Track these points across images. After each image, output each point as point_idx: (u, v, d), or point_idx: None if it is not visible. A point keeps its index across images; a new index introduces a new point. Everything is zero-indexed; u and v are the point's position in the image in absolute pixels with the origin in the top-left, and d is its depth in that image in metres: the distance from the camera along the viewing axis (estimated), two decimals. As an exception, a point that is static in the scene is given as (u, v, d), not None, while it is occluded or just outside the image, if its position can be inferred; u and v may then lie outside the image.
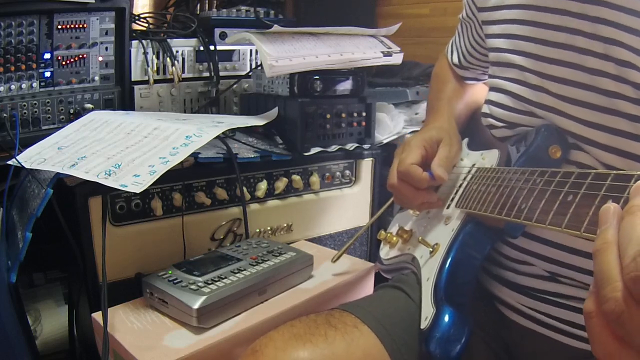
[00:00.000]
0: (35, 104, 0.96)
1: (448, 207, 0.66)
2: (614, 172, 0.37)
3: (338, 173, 1.04)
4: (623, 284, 0.29)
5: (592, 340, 0.32)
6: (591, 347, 0.32)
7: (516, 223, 0.47)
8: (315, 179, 1.00)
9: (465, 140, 0.76)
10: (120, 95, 1.05)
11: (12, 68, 0.93)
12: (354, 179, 1.07)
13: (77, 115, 0.98)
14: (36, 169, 0.78)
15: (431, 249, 0.62)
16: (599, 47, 0.52)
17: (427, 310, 0.55)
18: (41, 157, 0.80)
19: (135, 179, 0.70)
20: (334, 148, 1.00)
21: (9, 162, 0.81)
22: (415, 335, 0.59)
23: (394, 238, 0.74)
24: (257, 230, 0.95)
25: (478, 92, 0.86)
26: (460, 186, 0.66)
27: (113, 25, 1.02)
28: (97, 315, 0.67)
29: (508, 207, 0.49)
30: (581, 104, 0.54)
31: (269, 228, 0.96)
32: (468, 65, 0.82)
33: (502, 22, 0.65)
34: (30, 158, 0.81)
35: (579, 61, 0.54)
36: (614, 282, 0.29)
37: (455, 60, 0.84)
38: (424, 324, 0.54)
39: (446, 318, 0.53)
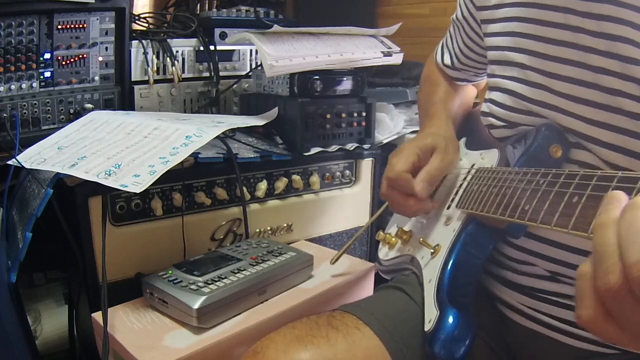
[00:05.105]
0: (35, 104, 0.96)
1: (448, 208, 0.66)
2: (620, 173, 0.36)
3: (338, 173, 1.04)
4: (624, 276, 0.30)
5: (578, 303, 0.33)
6: (576, 310, 0.33)
7: (520, 224, 0.47)
8: (315, 179, 1.00)
9: (463, 139, 0.75)
10: (120, 95, 1.05)
11: (12, 68, 0.93)
12: (354, 179, 1.07)
13: (77, 115, 0.98)
14: (36, 169, 0.78)
15: (432, 250, 0.62)
16: (603, 45, 0.52)
17: (431, 313, 0.55)
18: (41, 157, 0.80)
19: (135, 179, 0.70)
20: (334, 148, 1.00)
21: (9, 162, 0.81)
22: (417, 336, 0.59)
23: (393, 239, 0.74)
24: (257, 230, 0.95)
25: (469, 92, 0.86)
26: (460, 186, 0.66)
27: (113, 25, 1.02)
28: (97, 315, 0.67)
29: (511, 208, 0.48)
30: (584, 102, 0.54)
31: (269, 228, 0.96)
32: (461, 67, 0.81)
33: (503, 20, 0.64)
34: (30, 158, 0.81)
35: (583, 59, 0.54)
36: (613, 258, 0.30)
37: (447, 61, 0.83)
38: (428, 327, 0.54)
39: (450, 319, 0.52)
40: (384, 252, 0.77)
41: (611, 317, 0.31)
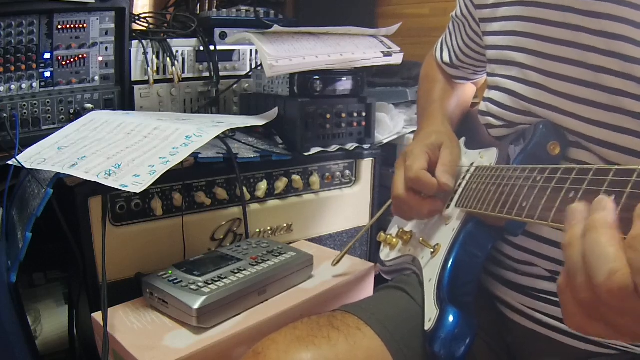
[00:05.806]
0: (35, 104, 0.95)
1: (448, 207, 0.66)
2: (615, 167, 0.36)
3: (338, 173, 1.04)
4: (596, 292, 0.32)
5: (564, 311, 0.36)
6: (564, 319, 0.37)
7: (518, 221, 0.47)
8: (315, 179, 1.00)
9: (462, 139, 0.75)
10: (120, 95, 1.05)
11: (12, 68, 0.93)
12: (354, 179, 1.07)
13: (77, 115, 0.98)
14: (36, 169, 0.78)
15: (432, 250, 0.62)
16: (602, 44, 0.52)
17: (431, 312, 0.55)
18: (41, 157, 0.80)
19: (135, 179, 0.70)
20: (334, 148, 1.00)
21: (9, 162, 0.80)
22: (418, 336, 0.59)
23: (394, 240, 0.74)
24: (257, 230, 0.95)
25: (467, 90, 0.86)
26: (459, 185, 0.66)
27: (113, 25, 1.02)
28: (97, 315, 0.67)
29: (509, 205, 0.48)
30: (584, 101, 0.54)
31: (269, 228, 0.96)
32: (460, 65, 0.81)
33: (502, 19, 0.64)
34: (30, 158, 0.81)
35: (582, 58, 0.54)
36: (583, 276, 0.33)
37: (447, 59, 0.83)
38: (428, 325, 0.54)
39: (450, 318, 0.52)
40: (385, 253, 0.77)
41: (596, 320, 0.34)
